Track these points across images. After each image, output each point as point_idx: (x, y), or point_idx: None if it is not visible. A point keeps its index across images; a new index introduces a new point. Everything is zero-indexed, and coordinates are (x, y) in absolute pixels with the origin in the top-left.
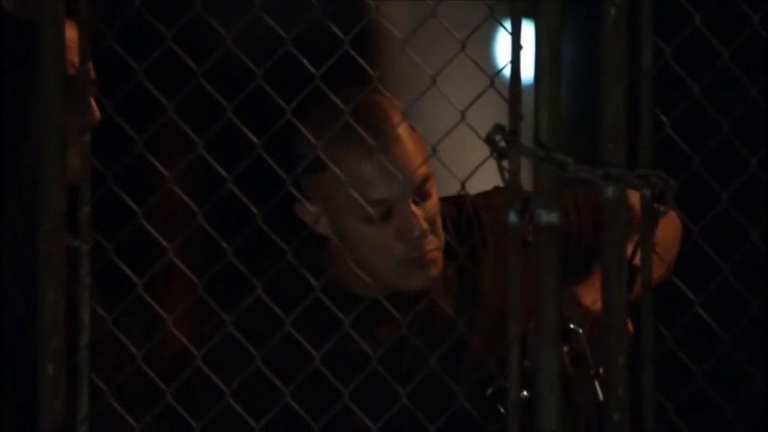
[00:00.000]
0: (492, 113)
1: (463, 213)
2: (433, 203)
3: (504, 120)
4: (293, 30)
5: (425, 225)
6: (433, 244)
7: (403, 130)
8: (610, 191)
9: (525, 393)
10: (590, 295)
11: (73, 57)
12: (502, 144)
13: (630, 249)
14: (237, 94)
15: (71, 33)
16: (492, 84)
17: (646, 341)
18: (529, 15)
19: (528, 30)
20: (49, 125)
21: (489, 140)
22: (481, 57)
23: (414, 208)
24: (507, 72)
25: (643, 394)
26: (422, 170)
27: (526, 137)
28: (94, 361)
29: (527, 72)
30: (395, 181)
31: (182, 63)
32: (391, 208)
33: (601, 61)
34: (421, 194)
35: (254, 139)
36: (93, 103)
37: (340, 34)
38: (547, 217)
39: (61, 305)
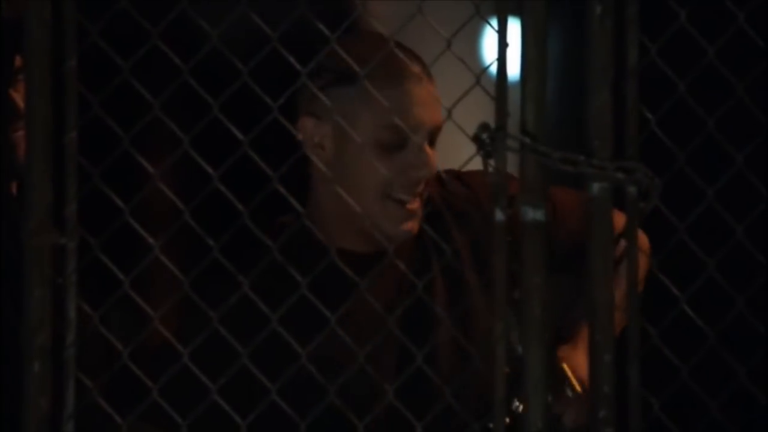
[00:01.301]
0: (479, 111)
1: (446, 187)
2: (435, 155)
3: (491, 117)
4: (279, 27)
5: (434, 167)
6: (418, 202)
7: (428, 77)
8: (596, 188)
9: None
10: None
11: None
12: (489, 142)
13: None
14: (226, 90)
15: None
16: (478, 82)
17: (632, 338)
18: (515, 12)
19: (514, 27)
20: (35, 122)
21: (476, 139)
22: (468, 54)
23: (427, 148)
24: (493, 69)
25: (629, 391)
26: (440, 117)
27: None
28: (84, 357)
29: (513, 69)
30: (420, 114)
31: (171, 60)
32: (405, 140)
33: (586, 59)
34: (432, 140)
35: (240, 136)
36: (15, 96)
37: (327, 32)
38: (533, 214)
39: (47, 301)
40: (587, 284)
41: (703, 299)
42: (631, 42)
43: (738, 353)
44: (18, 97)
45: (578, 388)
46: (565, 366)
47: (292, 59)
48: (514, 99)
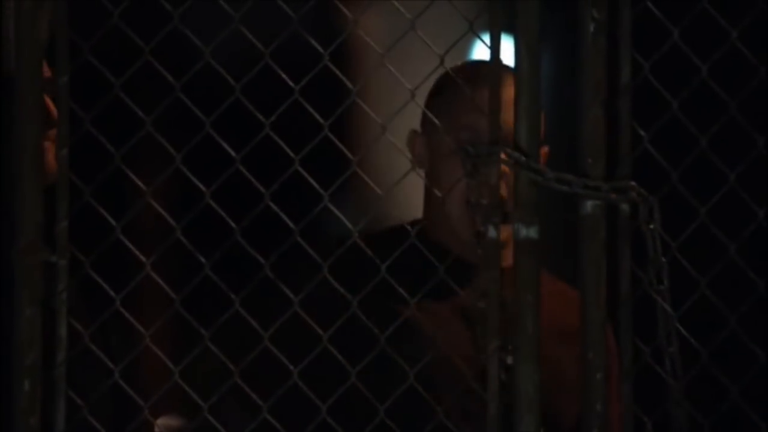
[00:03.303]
0: None
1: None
2: None
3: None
4: (272, 44)
5: None
6: None
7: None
8: (588, 206)
9: None
10: None
11: None
12: (481, 155)
13: None
14: (221, 104)
15: None
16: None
17: (624, 355)
18: (508, 29)
19: (507, 43)
20: (25, 137)
21: (464, 153)
22: None
23: None
24: None
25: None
26: None
27: None
28: (82, 374)
29: None
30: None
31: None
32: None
33: (579, 76)
34: None
35: (232, 153)
36: (50, 103)
37: (320, 49)
38: (526, 231)
39: (37, 320)
40: (579, 302)
41: (696, 316)
42: (624, 59)
43: (731, 371)
44: (50, 104)
45: None
46: None
47: (284, 75)
48: None
